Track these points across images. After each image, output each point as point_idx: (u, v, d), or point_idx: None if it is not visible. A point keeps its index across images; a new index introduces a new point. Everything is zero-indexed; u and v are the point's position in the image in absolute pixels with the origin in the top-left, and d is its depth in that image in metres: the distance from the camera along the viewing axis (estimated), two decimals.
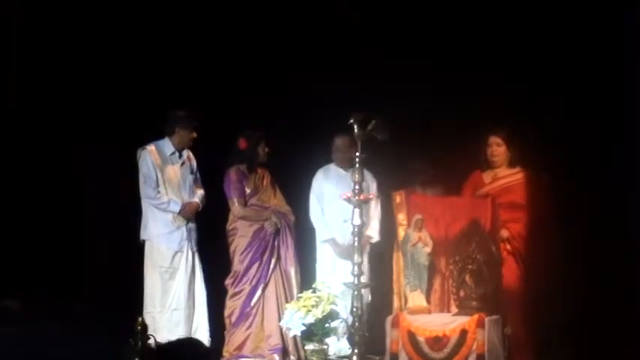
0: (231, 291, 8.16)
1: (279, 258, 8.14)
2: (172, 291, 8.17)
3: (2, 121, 10.32)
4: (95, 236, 10.11)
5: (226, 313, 8.18)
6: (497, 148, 7.97)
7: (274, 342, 8.04)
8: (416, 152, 8.68)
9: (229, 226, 8.23)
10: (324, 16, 9.49)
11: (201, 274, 8.31)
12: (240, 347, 8.10)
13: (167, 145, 8.30)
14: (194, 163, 8.43)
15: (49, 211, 10.30)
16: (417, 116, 8.94)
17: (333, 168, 8.48)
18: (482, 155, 8.04)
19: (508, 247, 7.76)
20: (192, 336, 8.13)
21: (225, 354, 8.14)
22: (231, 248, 8.20)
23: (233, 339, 8.13)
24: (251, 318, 8.10)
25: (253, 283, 8.10)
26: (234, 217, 8.22)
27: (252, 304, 8.08)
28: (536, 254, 7.73)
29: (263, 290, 8.09)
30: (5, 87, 10.32)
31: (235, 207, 8.18)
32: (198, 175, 8.45)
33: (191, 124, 8.27)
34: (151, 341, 6.71)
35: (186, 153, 8.37)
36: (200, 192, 8.38)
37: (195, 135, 8.29)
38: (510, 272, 7.71)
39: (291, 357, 8.07)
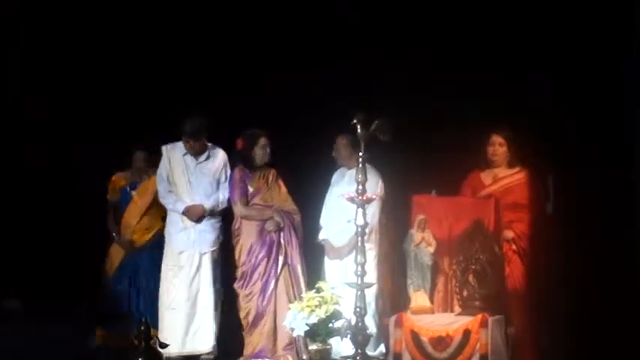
0: (243, 292, 8.11)
1: (286, 256, 8.12)
2: (174, 290, 8.14)
3: (2, 121, 10.32)
4: (95, 236, 10.06)
5: (242, 314, 8.13)
6: (499, 147, 7.94)
7: (287, 341, 8.02)
8: (415, 152, 8.68)
9: (234, 226, 8.21)
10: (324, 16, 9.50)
11: (211, 277, 8.23)
12: (258, 348, 8.06)
13: (181, 147, 8.30)
14: (215, 165, 8.34)
15: (49, 211, 10.30)
16: (416, 116, 8.93)
17: (343, 169, 8.40)
18: (483, 154, 8.02)
19: (514, 247, 7.76)
20: (193, 339, 8.11)
21: (244, 355, 8.10)
22: (237, 248, 8.17)
23: (251, 340, 8.09)
24: (265, 317, 8.07)
25: (264, 280, 8.07)
26: (237, 217, 8.20)
27: (264, 302, 8.05)
28: (540, 253, 7.73)
29: (274, 288, 8.07)
30: (6, 88, 10.31)
31: (237, 206, 8.15)
32: (221, 178, 8.36)
33: (187, 136, 8.19)
34: (154, 341, 6.72)
35: (205, 155, 8.31)
36: (215, 196, 8.30)
37: (190, 144, 8.20)
38: (516, 272, 7.72)
39: (303, 356, 8.04)
